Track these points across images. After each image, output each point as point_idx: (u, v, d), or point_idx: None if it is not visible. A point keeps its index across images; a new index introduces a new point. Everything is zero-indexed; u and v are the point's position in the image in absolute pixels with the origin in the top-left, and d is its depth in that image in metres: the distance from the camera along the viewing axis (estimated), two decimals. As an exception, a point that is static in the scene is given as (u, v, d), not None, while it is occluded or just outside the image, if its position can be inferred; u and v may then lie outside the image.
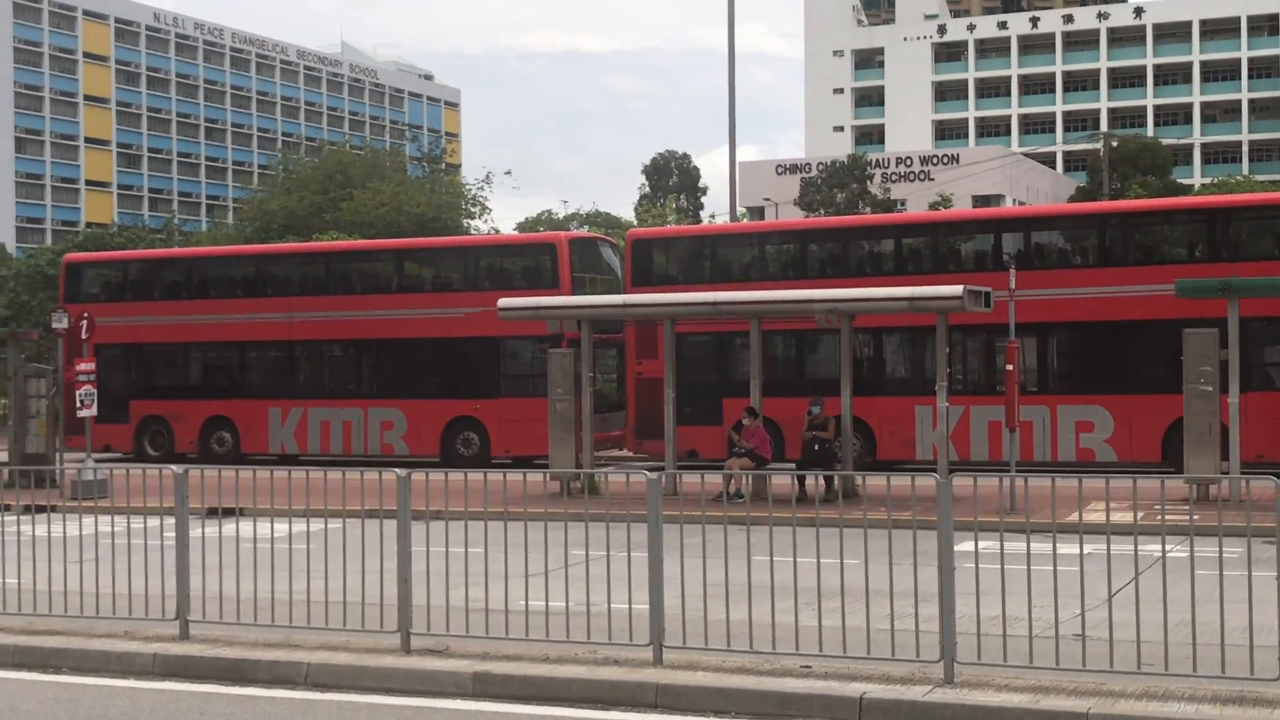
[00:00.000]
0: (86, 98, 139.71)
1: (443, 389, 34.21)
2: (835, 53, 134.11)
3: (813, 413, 25.61)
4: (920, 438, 29.44)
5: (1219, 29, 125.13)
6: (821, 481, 22.89)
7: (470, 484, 11.71)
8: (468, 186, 71.72)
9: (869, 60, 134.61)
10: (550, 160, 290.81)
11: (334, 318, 35.28)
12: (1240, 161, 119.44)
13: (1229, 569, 9.83)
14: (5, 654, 12.24)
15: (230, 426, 36.03)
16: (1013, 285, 23.43)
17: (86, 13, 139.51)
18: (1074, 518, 10.46)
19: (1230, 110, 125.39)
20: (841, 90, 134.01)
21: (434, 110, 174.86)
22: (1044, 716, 9.34)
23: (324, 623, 12.02)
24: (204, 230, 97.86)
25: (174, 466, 12.68)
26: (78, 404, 27.45)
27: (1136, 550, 9.93)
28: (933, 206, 70.59)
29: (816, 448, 25.08)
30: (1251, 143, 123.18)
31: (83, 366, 27.80)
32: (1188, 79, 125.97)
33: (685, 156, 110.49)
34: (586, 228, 69.44)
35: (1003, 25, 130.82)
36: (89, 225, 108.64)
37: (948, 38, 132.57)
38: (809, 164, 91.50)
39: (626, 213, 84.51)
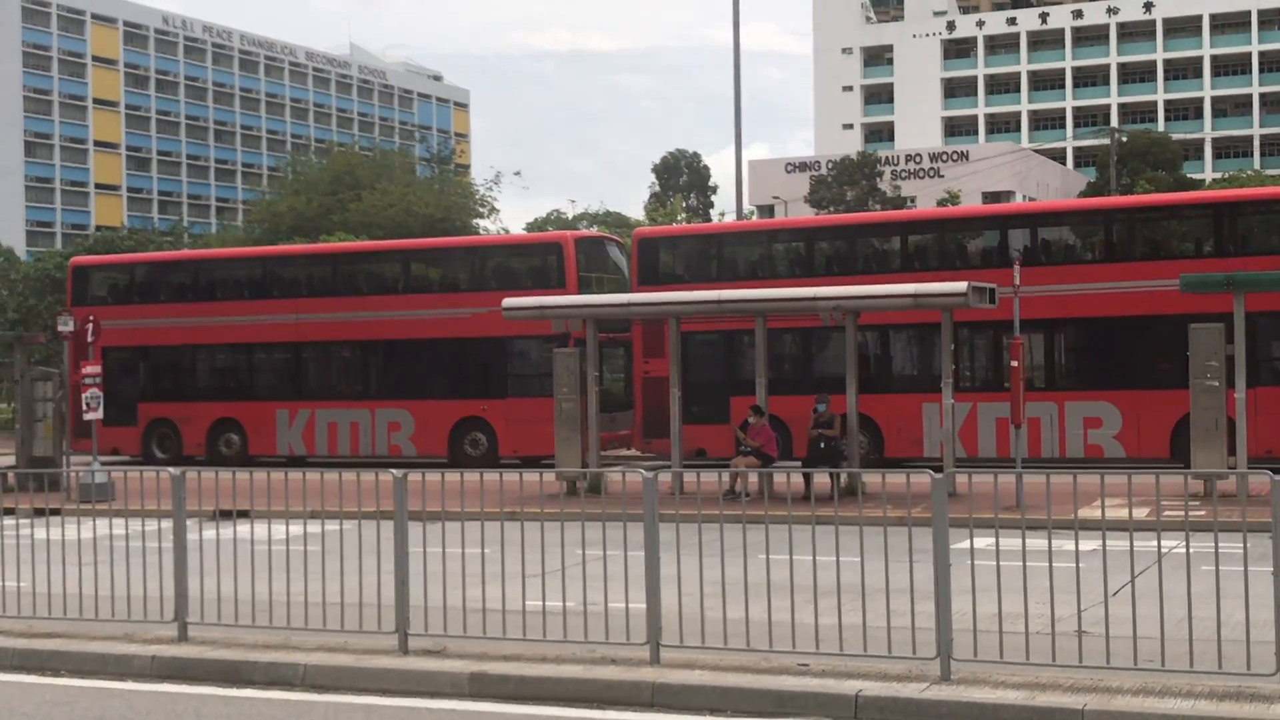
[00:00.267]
0: (95, 101, 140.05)
1: (450, 389, 34.19)
2: (844, 50, 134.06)
3: (819, 410, 25.59)
4: (928, 435, 29.39)
5: (1229, 23, 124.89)
6: (828, 479, 22.86)
7: (471, 485, 11.70)
8: (476, 187, 71.81)
9: (878, 57, 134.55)
10: (560, 160, 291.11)
11: (341, 319, 35.30)
12: (1251, 156, 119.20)
13: (1229, 564, 9.79)
14: (5, 657, 12.26)
15: (238, 428, 36.07)
16: (1017, 281, 23.36)
17: (95, 16, 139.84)
18: (1084, 514, 10.38)
19: (1241, 105, 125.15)
20: (851, 88, 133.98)
21: (443, 111, 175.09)
22: (1040, 713, 9.30)
23: (322, 624, 12.01)
24: (213, 233, 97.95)
25: (171, 469, 12.68)
26: (84, 407, 27.47)
27: (1132, 547, 9.90)
28: (941, 203, 70.50)
29: (823, 446, 25.07)
30: (1262, 137, 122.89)
31: (88, 370, 27.81)
32: (1198, 73, 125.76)
33: (695, 155, 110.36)
34: (596, 227, 69.46)
35: (1012, 21, 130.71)
36: (99, 228, 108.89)
37: (957, 34, 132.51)
38: (818, 162, 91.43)
39: (636, 212, 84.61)
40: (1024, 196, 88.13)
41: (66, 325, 29.06)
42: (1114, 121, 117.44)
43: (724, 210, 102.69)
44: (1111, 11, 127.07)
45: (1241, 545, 9.94)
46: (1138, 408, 28.24)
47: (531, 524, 12.04)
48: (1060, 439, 28.83)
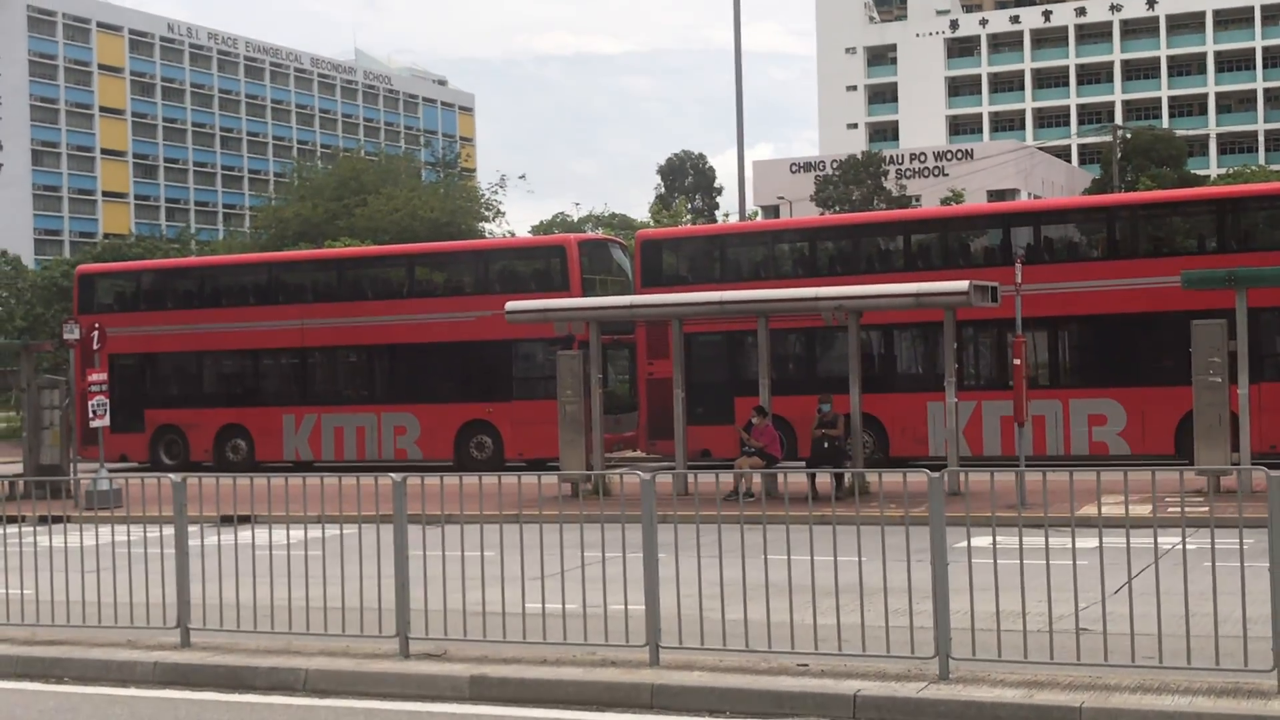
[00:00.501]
0: (102, 109, 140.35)
1: (455, 393, 34.24)
2: (848, 50, 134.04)
3: (823, 410, 25.59)
4: (933, 434, 29.38)
5: (1232, 19, 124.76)
6: (832, 479, 22.85)
7: (474, 488, 11.72)
8: (482, 191, 71.85)
9: (881, 57, 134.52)
10: (566, 163, 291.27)
11: (346, 324, 35.35)
12: (1256, 151, 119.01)
13: (1229, 561, 9.80)
14: (8, 664, 12.30)
15: (245, 434, 36.14)
16: (1019, 280, 23.37)
17: (101, 25, 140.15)
18: (1083, 511, 10.39)
19: (1245, 100, 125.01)
20: (855, 87, 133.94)
21: (448, 115, 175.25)
22: (1038, 711, 9.31)
23: (324, 629, 12.04)
24: (220, 239, 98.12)
25: (172, 476, 12.72)
26: (90, 414, 27.55)
27: (1129, 544, 9.90)
28: (944, 202, 70.49)
29: (826, 445, 25.07)
30: (1267, 132, 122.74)
31: (94, 377, 27.89)
32: (1202, 69, 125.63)
33: (701, 157, 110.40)
34: (601, 230, 69.49)
35: (1015, 19, 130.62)
36: (106, 236, 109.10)
37: (960, 33, 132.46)
38: (823, 162, 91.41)
39: (641, 214, 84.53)
40: (1029, 194, 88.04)
41: (72, 333, 29.14)
42: (1118, 118, 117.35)
43: (728, 211, 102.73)
44: (1115, 8, 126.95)
45: (1250, 542, 9.93)
46: (1142, 405, 28.23)
47: (533, 527, 12.07)
48: (1065, 436, 28.82)
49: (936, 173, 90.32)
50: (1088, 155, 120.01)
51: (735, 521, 11.10)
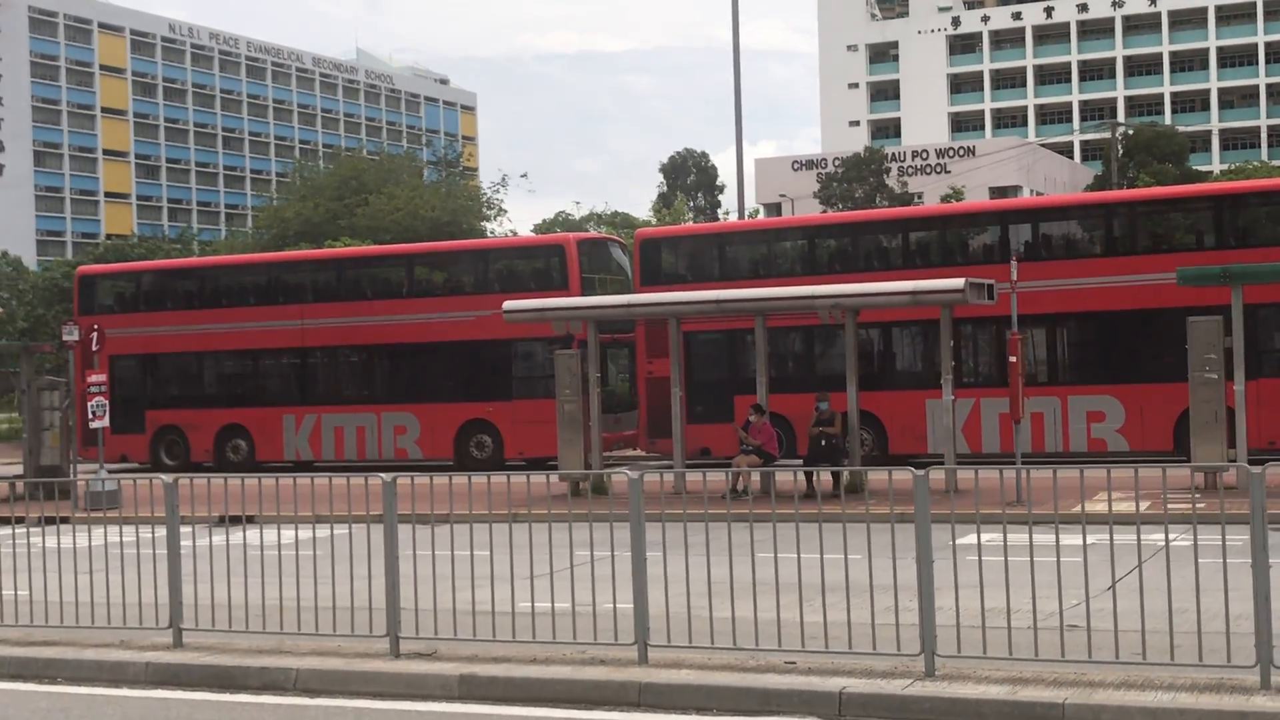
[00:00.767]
0: (104, 110, 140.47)
1: (455, 392, 34.29)
2: (850, 47, 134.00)
3: (820, 409, 25.65)
4: (931, 431, 29.38)
5: (1235, 14, 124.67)
6: (829, 477, 22.92)
7: (468, 487, 11.77)
8: (484, 190, 71.88)
9: (883, 54, 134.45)
10: (569, 161, 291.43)
11: (346, 324, 35.41)
12: (1259, 147, 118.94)
13: (1214, 557, 9.84)
14: (3, 665, 12.36)
15: (245, 435, 36.20)
16: (1014, 277, 23.42)
17: (102, 25, 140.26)
18: (1072, 509, 10.45)
19: (1248, 95, 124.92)
20: (857, 85, 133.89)
21: (450, 114, 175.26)
22: (1021, 708, 9.35)
23: (315, 629, 12.08)
24: (222, 239, 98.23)
25: (164, 476, 12.78)
26: (89, 415, 27.62)
27: (1112, 541, 9.93)
28: (944, 199, 70.48)
29: (823, 443, 25.14)
30: (1270, 128, 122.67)
31: (93, 378, 27.97)
32: (1204, 65, 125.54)
33: (703, 155, 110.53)
34: (603, 228, 69.49)
35: (1017, 16, 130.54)
36: (109, 237, 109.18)
37: (962, 30, 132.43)
38: (825, 159, 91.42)
39: (644, 213, 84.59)
40: (1031, 191, 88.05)
41: (71, 334, 29.21)
42: (1121, 114, 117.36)
43: (728, 209, 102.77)
44: (1116, 4, 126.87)
45: (1241, 539, 9.96)
46: (1140, 401, 28.25)
47: (525, 526, 12.09)
48: (1064, 433, 28.85)
49: (939, 170, 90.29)
50: (1090, 151, 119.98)
51: (724, 520, 11.14)
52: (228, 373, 37.62)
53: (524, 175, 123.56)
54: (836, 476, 21.60)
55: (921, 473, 10.28)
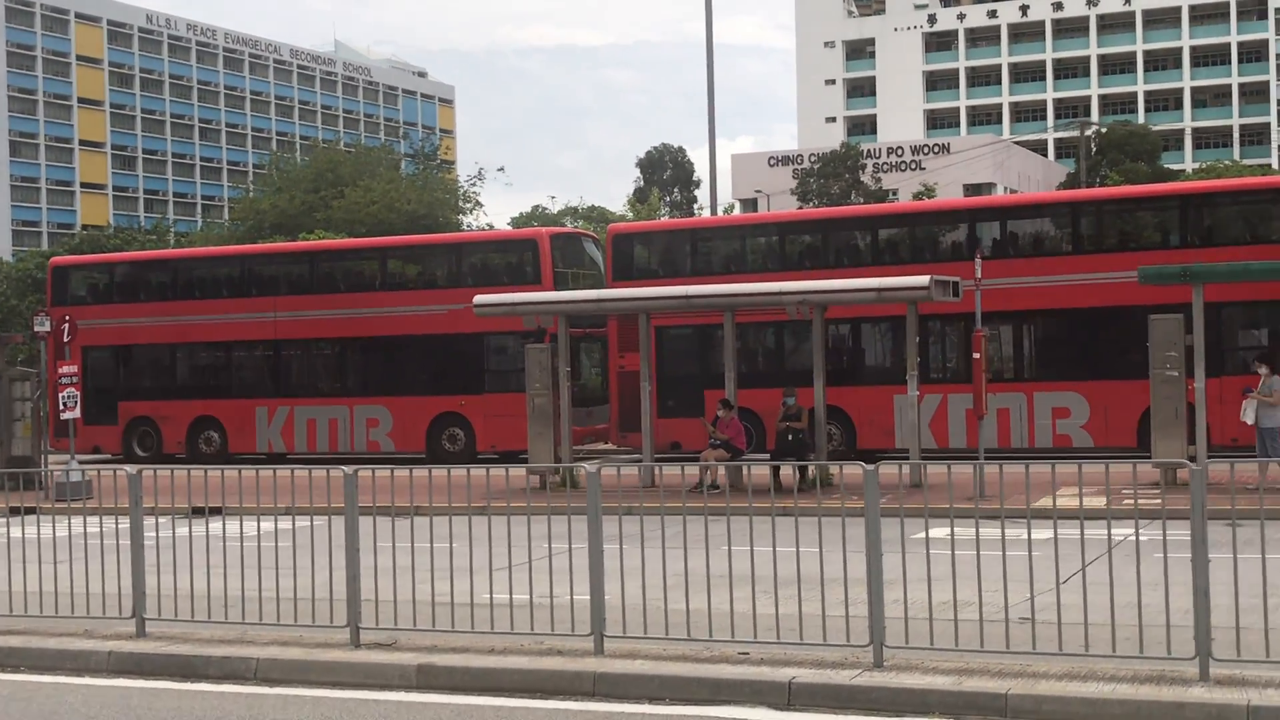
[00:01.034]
0: (80, 100, 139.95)
1: (428, 386, 34.37)
2: (826, 44, 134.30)
3: (787, 404, 25.82)
4: (899, 426, 29.53)
5: (1208, 14, 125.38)
6: (796, 471, 23.08)
7: (429, 481, 11.91)
8: (460, 184, 71.94)
9: (860, 51, 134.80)
10: (547, 155, 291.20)
11: (318, 316, 35.46)
12: (1231, 146, 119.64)
13: (1156, 552, 10.04)
14: (-33, 655, 12.46)
15: (218, 426, 36.23)
16: (979, 275, 23.63)
17: (79, 15, 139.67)
18: (1023, 505, 10.64)
19: (1221, 95, 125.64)
20: (833, 81, 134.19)
21: (428, 107, 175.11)
22: (965, 698, 9.54)
23: (277, 619, 12.23)
24: (198, 231, 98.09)
25: (127, 468, 12.90)
26: (61, 406, 27.67)
27: (1056, 535, 10.12)
28: (916, 196, 70.77)
29: (790, 438, 25.31)
30: (1242, 128, 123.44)
31: (64, 369, 28.02)
32: (1178, 64, 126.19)
33: (680, 150, 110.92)
34: (580, 223, 69.67)
35: (992, 14, 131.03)
36: (85, 228, 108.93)
37: (938, 27, 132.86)
38: (801, 155, 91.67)
39: (620, 207, 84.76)
40: (1005, 188, 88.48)
41: (43, 325, 29.26)
42: (1095, 113, 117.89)
43: (704, 205, 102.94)
44: (1091, 3, 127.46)
45: (1190, 534, 10.11)
46: (1105, 398, 28.48)
47: (489, 519, 12.25)
48: (1029, 429, 29.06)
49: (914, 166, 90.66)
50: (1064, 149, 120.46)
51: (679, 514, 11.31)
52: (200, 364, 37.67)
53: (501, 169, 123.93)
54: (802, 471, 21.88)
55: (871, 467, 10.48)
